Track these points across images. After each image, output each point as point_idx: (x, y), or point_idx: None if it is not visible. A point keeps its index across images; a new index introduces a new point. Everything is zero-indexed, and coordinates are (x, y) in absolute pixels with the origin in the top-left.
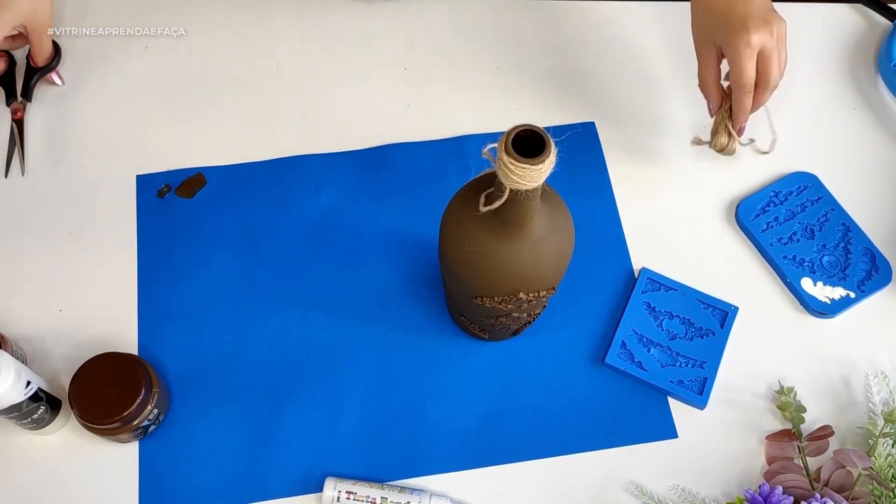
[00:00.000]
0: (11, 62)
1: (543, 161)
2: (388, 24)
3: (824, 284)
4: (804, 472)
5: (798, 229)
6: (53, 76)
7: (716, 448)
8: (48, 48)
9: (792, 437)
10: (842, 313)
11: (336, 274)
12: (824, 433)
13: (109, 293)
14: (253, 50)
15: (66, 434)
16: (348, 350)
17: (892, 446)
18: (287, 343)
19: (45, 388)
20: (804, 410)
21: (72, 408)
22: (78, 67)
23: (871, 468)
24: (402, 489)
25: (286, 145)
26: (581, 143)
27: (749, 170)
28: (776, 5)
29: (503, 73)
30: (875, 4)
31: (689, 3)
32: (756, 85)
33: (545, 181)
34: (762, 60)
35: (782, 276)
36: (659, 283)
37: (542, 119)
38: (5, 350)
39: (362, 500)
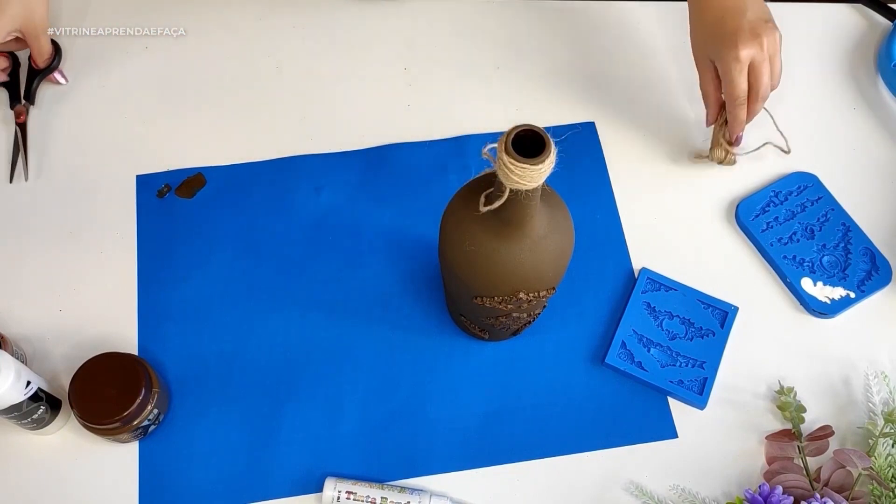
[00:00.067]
0: (15, 63)
1: (543, 161)
2: (388, 24)
3: (824, 284)
4: (804, 472)
5: (798, 229)
6: (56, 75)
7: (716, 448)
8: (47, 49)
9: (792, 437)
10: (842, 313)
11: (336, 274)
12: (824, 433)
13: (109, 293)
14: (253, 50)
15: (66, 434)
16: (348, 350)
17: (892, 446)
18: (287, 343)
19: (45, 388)
20: (804, 410)
21: (72, 408)
22: (78, 68)
23: (871, 468)
24: (402, 489)
25: (286, 145)
26: (581, 143)
27: (749, 170)
28: (776, 5)
29: (503, 73)
30: (875, 4)
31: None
32: (748, 95)
33: (545, 181)
34: (752, 73)
35: (782, 276)
36: (659, 283)
37: (542, 119)
38: (5, 350)
39: (362, 500)
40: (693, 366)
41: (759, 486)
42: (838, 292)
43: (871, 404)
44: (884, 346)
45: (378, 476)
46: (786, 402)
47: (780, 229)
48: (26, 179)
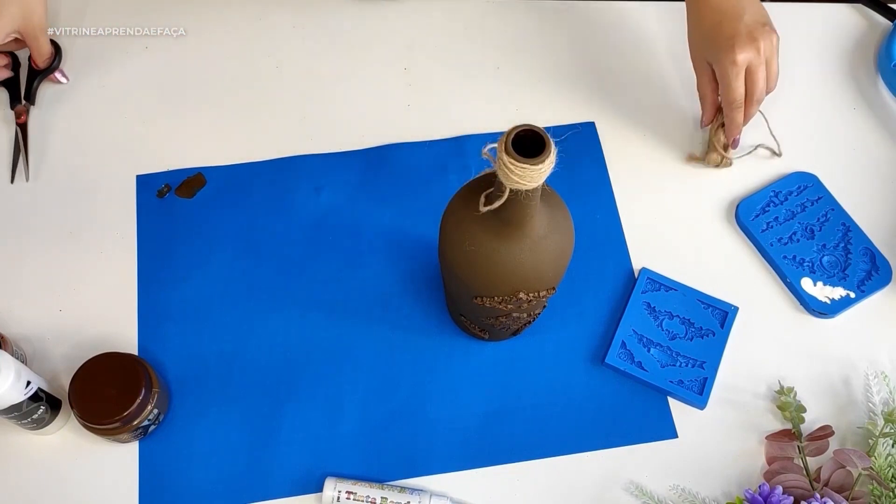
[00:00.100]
0: (15, 63)
1: (543, 161)
2: (388, 24)
3: (824, 284)
4: (804, 472)
5: (798, 229)
6: (57, 75)
7: (716, 448)
8: (47, 49)
9: (792, 437)
10: (842, 313)
11: (336, 274)
12: (824, 433)
13: (109, 293)
14: (253, 50)
15: (66, 434)
16: (348, 350)
17: (892, 446)
18: (287, 343)
19: (45, 388)
20: (804, 410)
21: (72, 408)
22: (78, 67)
23: (871, 468)
24: (402, 489)
25: (286, 145)
26: (581, 143)
27: (749, 170)
28: (777, 6)
29: (503, 73)
30: (875, 4)
31: None
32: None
33: (545, 181)
34: (748, 77)
35: (782, 276)
36: (659, 283)
37: (542, 119)
38: (5, 350)
39: (362, 500)
40: (693, 366)
41: (759, 486)
42: (838, 292)
43: (871, 404)
44: (884, 346)
45: (378, 476)
46: (786, 402)
47: (780, 229)
48: (27, 179)
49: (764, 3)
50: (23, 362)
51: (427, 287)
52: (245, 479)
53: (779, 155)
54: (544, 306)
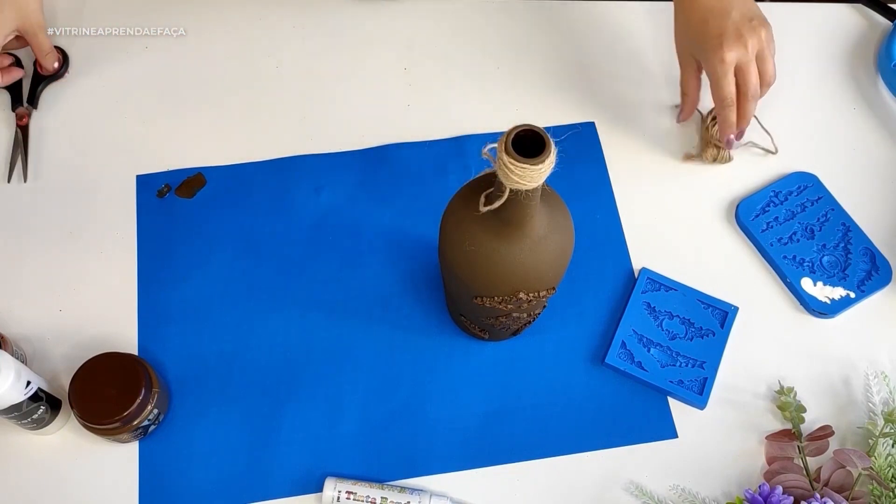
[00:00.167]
0: (18, 65)
1: (543, 161)
2: (388, 24)
3: (824, 284)
4: (804, 472)
5: (798, 229)
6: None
7: (716, 448)
8: (48, 46)
9: (792, 437)
10: (842, 313)
11: (336, 274)
12: (824, 433)
13: (109, 293)
14: (253, 50)
15: (66, 434)
16: (348, 350)
17: (892, 446)
18: (287, 343)
19: (45, 388)
20: (804, 410)
21: (72, 408)
22: (78, 67)
23: (871, 468)
24: (402, 489)
25: (286, 145)
26: (581, 143)
27: (749, 170)
28: (777, 6)
29: (503, 73)
30: (875, 4)
31: None
32: (738, 96)
33: (545, 181)
34: (739, 74)
35: (782, 276)
36: (659, 283)
37: (542, 119)
38: (5, 350)
39: (362, 500)
40: (693, 366)
41: (759, 486)
42: (838, 292)
43: (871, 404)
44: (884, 346)
45: (378, 476)
46: (786, 402)
47: (780, 229)
48: (26, 180)
49: (764, 3)
50: (23, 362)
51: (427, 287)
52: (245, 479)
53: (773, 153)
54: (544, 306)
